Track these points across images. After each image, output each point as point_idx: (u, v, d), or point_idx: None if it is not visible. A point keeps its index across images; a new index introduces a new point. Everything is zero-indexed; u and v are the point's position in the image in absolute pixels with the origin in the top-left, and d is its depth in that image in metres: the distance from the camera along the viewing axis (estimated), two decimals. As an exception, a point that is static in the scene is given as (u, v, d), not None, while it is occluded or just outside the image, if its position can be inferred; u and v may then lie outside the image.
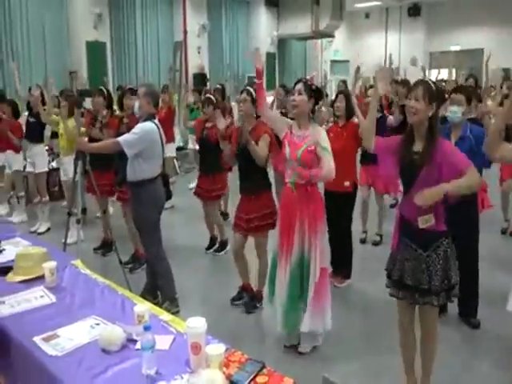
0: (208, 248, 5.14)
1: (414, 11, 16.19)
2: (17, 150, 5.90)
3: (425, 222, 2.36)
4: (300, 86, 3.00)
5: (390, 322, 2.80)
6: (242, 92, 3.74)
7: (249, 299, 3.84)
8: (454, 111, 3.20)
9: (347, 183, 4.01)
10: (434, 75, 12.77)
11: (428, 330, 2.55)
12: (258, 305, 3.80)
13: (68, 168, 5.20)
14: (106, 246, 5.05)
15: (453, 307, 3.46)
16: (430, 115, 2.33)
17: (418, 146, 2.39)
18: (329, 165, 2.94)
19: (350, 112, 4.08)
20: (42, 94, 5.55)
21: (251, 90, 3.59)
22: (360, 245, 5.12)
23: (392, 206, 6.11)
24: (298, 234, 2.99)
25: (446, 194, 2.26)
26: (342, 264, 4.23)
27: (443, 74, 9.86)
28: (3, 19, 8.82)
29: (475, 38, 14.79)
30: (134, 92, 4.46)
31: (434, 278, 2.37)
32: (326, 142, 2.99)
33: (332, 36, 14.85)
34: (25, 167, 5.92)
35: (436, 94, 2.36)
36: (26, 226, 5.90)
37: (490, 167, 3.31)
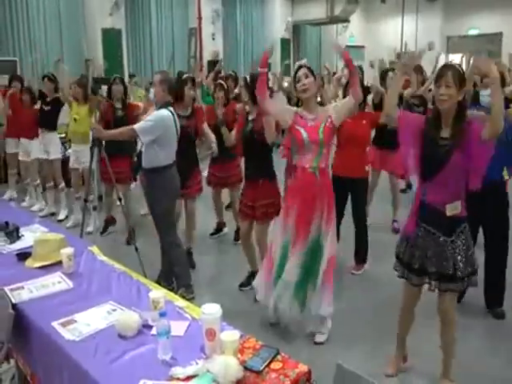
0: (212, 233, 5.17)
1: (432, -5, 15.87)
2: (34, 136, 5.96)
3: (453, 209, 2.36)
4: (304, 70, 3.00)
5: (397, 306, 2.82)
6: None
7: (246, 279, 3.88)
8: (488, 95, 3.11)
9: (368, 168, 4.07)
10: (451, 60, 12.52)
11: (446, 313, 2.54)
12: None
13: (80, 156, 5.27)
14: (108, 224, 5.28)
15: (479, 298, 3.46)
16: (459, 99, 2.30)
17: (445, 132, 2.34)
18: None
19: (363, 100, 4.04)
20: (55, 82, 5.61)
21: (247, 76, 3.69)
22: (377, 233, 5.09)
23: (403, 191, 6.03)
24: (317, 221, 2.99)
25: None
26: (358, 250, 4.23)
27: (458, 59, 9.65)
28: (20, 7, 8.88)
29: (493, 21, 14.44)
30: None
31: (459, 264, 2.37)
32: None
33: (347, 21, 14.64)
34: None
35: (464, 78, 2.33)
36: (44, 213, 5.98)
37: None
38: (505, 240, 3.37)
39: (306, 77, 2.97)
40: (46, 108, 5.66)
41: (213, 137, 4.36)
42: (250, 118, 3.66)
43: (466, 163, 2.28)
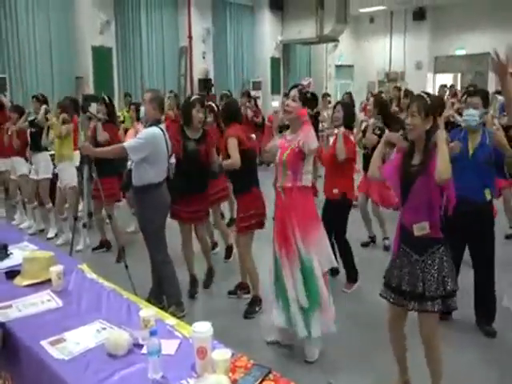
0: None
1: (419, 15, 16.16)
2: (21, 154, 5.95)
3: (420, 229, 2.44)
4: (295, 92, 3.03)
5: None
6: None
7: (248, 305, 3.85)
8: (470, 114, 3.19)
9: (335, 190, 4.13)
10: (438, 80, 12.69)
11: (427, 337, 2.55)
12: (257, 309, 3.82)
13: (62, 174, 5.28)
14: (103, 247, 5.27)
15: (471, 315, 3.48)
16: (427, 129, 2.39)
17: (416, 159, 2.47)
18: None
19: (347, 122, 4.16)
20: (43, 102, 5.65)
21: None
22: (364, 249, 5.15)
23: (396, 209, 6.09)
24: (293, 238, 3.02)
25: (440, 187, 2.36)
26: (346, 269, 4.27)
27: (447, 79, 9.85)
28: (10, 24, 8.91)
29: (481, 41, 14.71)
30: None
31: (428, 284, 2.41)
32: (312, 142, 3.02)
33: (337, 40, 14.88)
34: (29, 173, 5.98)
35: (432, 107, 2.41)
36: (33, 231, 5.93)
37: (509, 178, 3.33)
38: (490, 260, 3.40)
39: (293, 100, 3.02)
40: (33, 130, 5.67)
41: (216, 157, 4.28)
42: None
43: (431, 187, 2.36)
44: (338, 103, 4.47)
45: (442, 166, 2.28)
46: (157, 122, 3.60)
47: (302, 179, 3.04)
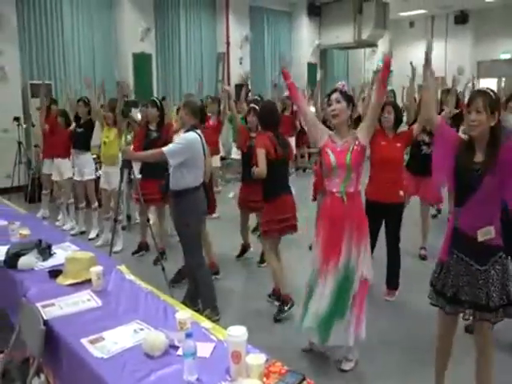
0: (238, 256, 5.19)
1: (461, 19, 15.75)
2: (66, 156, 6.17)
3: (484, 234, 2.29)
4: (337, 94, 2.94)
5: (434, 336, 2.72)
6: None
7: (277, 307, 3.88)
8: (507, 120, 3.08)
9: (401, 192, 3.99)
10: (482, 85, 12.33)
11: (483, 348, 2.45)
12: (285, 308, 3.82)
13: (109, 177, 5.41)
14: (142, 250, 5.27)
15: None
16: (491, 125, 2.26)
17: (478, 157, 2.31)
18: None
19: (398, 123, 4.07)
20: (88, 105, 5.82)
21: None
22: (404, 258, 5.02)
23: (434, 216, 5.95)
24: (346, 245, 2.92)
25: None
26: (390, 276, 4.16)
27: (491, 84, 9.56)
28: (56, 32, 9.27)
29: (526, 45, 14.23)
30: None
31: (492, 294, 2.29)
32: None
33: (375, 45, 14.68)
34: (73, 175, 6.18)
35: (497, 103, 2.29)
36: (75, 232, 6.12)
37: None
38: None
39: (338, 102, 2.92)
40: (79, 130, 5.85)
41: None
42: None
43: (499, 188, 2.24)
44: (387, 104, 4.15)
45: None
46: (193, 127, 3.65)
47: (360, 182, 3.01)
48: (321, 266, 2.99)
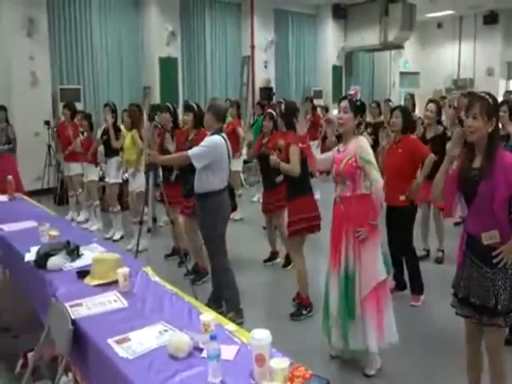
0: (266, 260, 5.18)
1: (491, 19, 15.40)
2: (93, 162, 6.34)
3: (489, 238, 2.28)
4: (345, 103, 3.01)
5: (457, 343, 2.67)
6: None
7: (296, 307, 3.92)
8: None
9: (403, 197, 3.97)
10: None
11: (493, 353, 2.41)
12: (304, 312, 3.85)
13: (131, 179, 5.50)
14: (176, 255, 5.24)
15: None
16: (489, 131, 2.25)
17: (477, 163, 2.33)
18: (376, 180, 2.94)
19: (406, 127, 4.06)
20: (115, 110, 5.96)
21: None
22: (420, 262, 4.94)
23: (457, 224, 5.83)
24: (344, 248, 2.99)
25: None
26: (410, 280, 4.14)
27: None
28: (85, 37, 9.48)
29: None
30: (187, 108, 4.66)
31: (501, 298, 2.26)
32: (366, 152, 2.96)
33: (401, 47, 14.50)
34: (103, 178, 6.33)
35: (494, 109, 2.28)
36: (101, 233, 6.23)
37: None
38: None
39: (345, 112, 3.00)
40: (104, 137, 5.99)
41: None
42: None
43: (495, 193, 2.22)
44: (395, 108, 4.31)
45: None
46: (218, 131, 3.68)
47: (362, 187, 3.01)
48: (329, 269, 3.14)
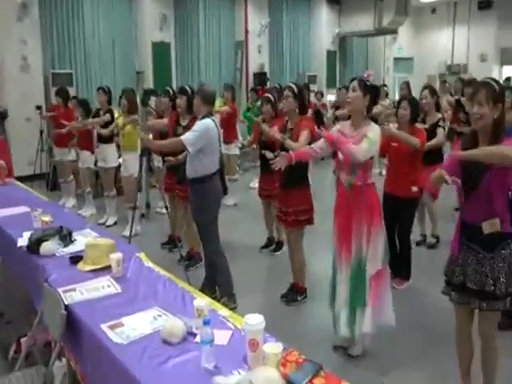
0: (263, 247, 5.18)
1: (485, 4, 15.30)
2: (89, 148, 6.32)
3: (490, 227, 2.28)
4: (354, 83, 2.96)
5: (449, 326, 2.70)
6: (284, 88, 3.81)
7: (289, 292, 3.94)
8: None
9: (415, 189, 3.98)
10: (505, 73, 12.00)
11: (487, 335, 2.43)
12: (298, 298, 3.88)
13: (128, 164, 5.45)
14: (171, 242, 5.14)
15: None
16: (495, 117, 2.22)
17: None
18: (362, 146, 2.81)
19: (413, 118, 4.05)
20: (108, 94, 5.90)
21: (293, 86, 3.67)
22: (416, 247, 4.97)
23: (457, 210, 5.87)
24: (356, 235, 2.96)
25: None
26: (400, 266, 4.16)
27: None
28: (77, 22, 9.33)
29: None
30: (181, 91, 4.51)
31: (499, 282, 2.27)
32: (373, 134, 2.86)
33: (396, 32, 14.40)
34: (96, 163, 6.27)
35: (500, 95, 2.24)
36: (95, 218, 6.21)
37: None
38: None
39: (354, 90, 2.94)
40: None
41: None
42: (290, 127, 3.74)
43: (501, 180, 2.22)
44: (403, 99, 4.23)
45: None
46: (207, 114, 3.66)
47: (371, 175, 3.00)
48: (336, 256, 3.10)
